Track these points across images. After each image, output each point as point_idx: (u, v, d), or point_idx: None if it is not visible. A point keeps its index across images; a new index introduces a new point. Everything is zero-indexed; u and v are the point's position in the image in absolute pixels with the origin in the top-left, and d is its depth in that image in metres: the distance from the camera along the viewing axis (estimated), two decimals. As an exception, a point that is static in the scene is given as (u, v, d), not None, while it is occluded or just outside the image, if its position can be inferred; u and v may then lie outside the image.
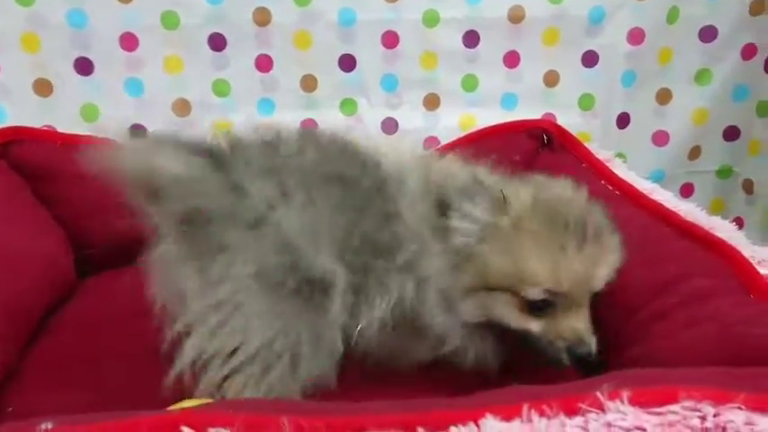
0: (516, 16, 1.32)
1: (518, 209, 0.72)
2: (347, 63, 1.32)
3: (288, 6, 1.26)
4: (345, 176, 0.72)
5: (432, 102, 1.38)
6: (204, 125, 1.32)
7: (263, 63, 1.30)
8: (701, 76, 1.39)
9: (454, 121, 1.38)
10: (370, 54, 1.32)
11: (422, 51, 1.33)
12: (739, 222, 1.44)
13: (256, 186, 0.69)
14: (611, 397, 0.47)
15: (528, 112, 1.38)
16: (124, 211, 1.15)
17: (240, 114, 1.32)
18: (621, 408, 0.47)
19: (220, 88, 1.31)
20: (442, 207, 0.72)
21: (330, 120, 1.35)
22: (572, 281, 0.71)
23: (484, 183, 0.73)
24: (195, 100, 1.30)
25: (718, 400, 0.48)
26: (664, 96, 1.40)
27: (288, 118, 1.34)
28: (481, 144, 1.29)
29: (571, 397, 0.48)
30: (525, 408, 0.47)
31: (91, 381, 0.84)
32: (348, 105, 1.36)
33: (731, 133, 1.42)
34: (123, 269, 1.13)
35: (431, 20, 1.31)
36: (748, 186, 1.40)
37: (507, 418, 0.46)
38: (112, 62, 1.25)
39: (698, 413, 0.47)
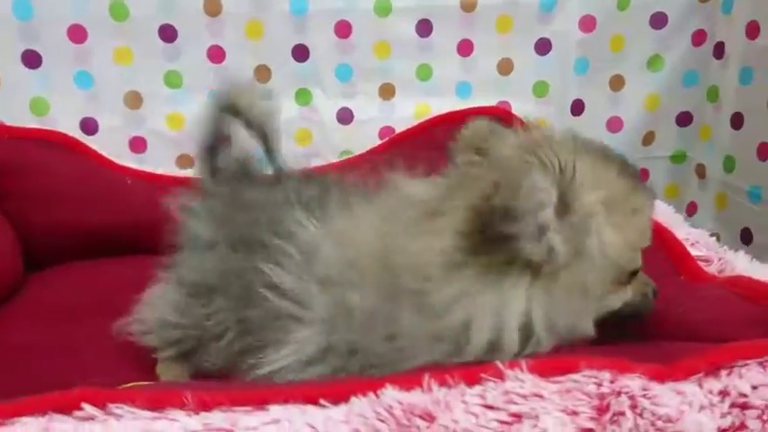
0: (469, 4, 1.32)
1: (590, 178, 0.57)
2: (300, 53, 1.32)
3: (238, -6, 1.26)
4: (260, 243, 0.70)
5: (387, 91, 1.38)
6: (156, 118, 1.31)
7: (216, 54, 1.30)
8: (654, 63, 1.40)
9: (410, 111, 1.38)
10: (323, 44, 1.32)
11: (375, 41, 1.34)
12: (693, 207, 1.46)
13: (204, 226, 0.80)
14: (512, 366, 0.48)
15: (483, 100, 1.39)
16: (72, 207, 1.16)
17: (193, 106, 1.31)
18: (520, 376, 0.48)
19: (172, 80, 1.30)
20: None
21: (285, 110, 1.35)
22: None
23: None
24: (147, 92, 1.30)
25: (619, 370, 0.49)
26: (617, 83, 1.42)
27: (242, 109, 1.33)
28: (433, 132, 1.30)
29: (474, 368, 0.49)
30: (426, 378, 0.47)
31: (34, 372, 0.84)
32: (303, 96, 1.36)
33: (684, 119, 1.44)
34: (71, 264, 1.14)
35: (383, 9, 1.31)
36: (701, 171, 1.42)
37: (407, 388, 0.47)
38: (61, 55, 1.23)
39: (594, 379, 0.48)
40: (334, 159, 1.34)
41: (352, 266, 0.60)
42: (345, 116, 1.38)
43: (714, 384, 0.49)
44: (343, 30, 1.32)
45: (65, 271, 1.12)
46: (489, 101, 1.39)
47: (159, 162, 1.31)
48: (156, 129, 1.32)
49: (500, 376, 0.48)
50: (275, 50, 1.31)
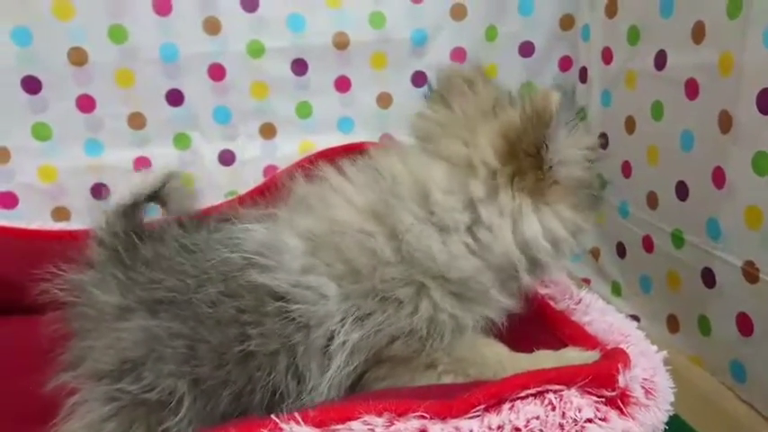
0: (341, 42, 1.35)
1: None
2: (174, 98, 1.32)
3: (104, 44, 1.25)
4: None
5: (268, 131, 1.39)
6: (27, 171, 1.28)
7: (85, 103, 1.28)
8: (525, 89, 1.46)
9: (293, 149, 1.40)
10: (198, 87, 1.32)
11: (251, 82, 1.35)
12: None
13: (106, 295, 0.72)
14: (288, 420, 0.49)
15: (366, 134, 1.41)
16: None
17: (66, 158, 1.29)
18: (295, 428, 0.48)
19: (41, 132, 1.27)
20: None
21: (164, 156, 1.34)
22: None
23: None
24: (15, 146, 1.27)
25: (398, 413, 0.50)
26: (493, 110, 1.47)
27: (119, 157, 1.32)
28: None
29: (252, 423, 0.49)
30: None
31: None
32: (181, 140, 1.35)
33: (560, 140, 1.50)
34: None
35: (256, 50, 1.33)
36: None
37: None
38: None
39: (368, 426, 0.48)
40: (218, 201, 1.33)
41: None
42: (227, 157, 1.38)
43: (493, 419, 0.51)
44: (217, 72, 1.32)
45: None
46: (372, 135, 1.41)
47: (33, 216, 1.28)
48: (27, 182, 1.28)
49: (277, 430, 0.48)
50: (148, 97, 1.30)
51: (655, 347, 0.70)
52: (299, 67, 1.36)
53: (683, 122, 1.09)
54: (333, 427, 0.48)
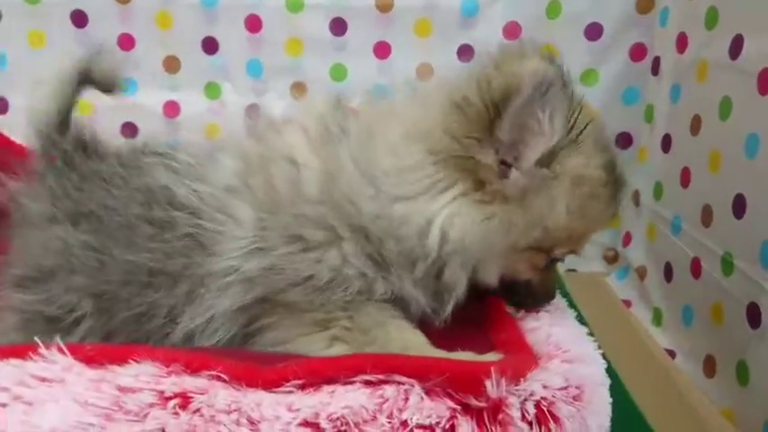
0: (385, 5, 1.27)
1: (586, 154, 0.62)
2: (210, 46, 1.31)
3: (148, -16, 1.26)
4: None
5: (298, 89, 1.34)
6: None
7: (126, 41, 1.30)
8: (587, 77, 1.29)
9: (322, 111, 1.33)
10: (233, 38, 1.30)
11: (287, 37, 1.30)
12: (628, 238, 1.32)
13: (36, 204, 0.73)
14: (52, 347, 0.42)
15: (401, 104, 1.31)
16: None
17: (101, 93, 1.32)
18: (60, 359, 0.41)
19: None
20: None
21: (193, 103, 1.33)
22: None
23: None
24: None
25: (193, 368, 0.42)
26: (547, 95, 1.31)
27: (150, 99, 1.33)
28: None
29: (22, 348, 0.43)
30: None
31: None
32: (212, 89, 1.34)
33: (623, 140, 1.31)
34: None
35: (295, 5, 1.28)
36: (636, 198, 1.28)
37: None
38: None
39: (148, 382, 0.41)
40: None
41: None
42: (254, 113, 1.35)
43: (302, 400, 0.41)
44: (254, 24, 1.29)
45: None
46: (408, 106, 1.32)
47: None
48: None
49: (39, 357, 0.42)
50: (184, 41, 1.30)
51: (597, 374, 0.53)
52: (338, 26, 1.29)
53: (751, 123, 0.90)
54: (108, 366, 0.41)
